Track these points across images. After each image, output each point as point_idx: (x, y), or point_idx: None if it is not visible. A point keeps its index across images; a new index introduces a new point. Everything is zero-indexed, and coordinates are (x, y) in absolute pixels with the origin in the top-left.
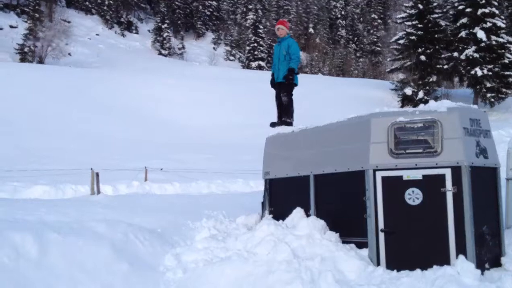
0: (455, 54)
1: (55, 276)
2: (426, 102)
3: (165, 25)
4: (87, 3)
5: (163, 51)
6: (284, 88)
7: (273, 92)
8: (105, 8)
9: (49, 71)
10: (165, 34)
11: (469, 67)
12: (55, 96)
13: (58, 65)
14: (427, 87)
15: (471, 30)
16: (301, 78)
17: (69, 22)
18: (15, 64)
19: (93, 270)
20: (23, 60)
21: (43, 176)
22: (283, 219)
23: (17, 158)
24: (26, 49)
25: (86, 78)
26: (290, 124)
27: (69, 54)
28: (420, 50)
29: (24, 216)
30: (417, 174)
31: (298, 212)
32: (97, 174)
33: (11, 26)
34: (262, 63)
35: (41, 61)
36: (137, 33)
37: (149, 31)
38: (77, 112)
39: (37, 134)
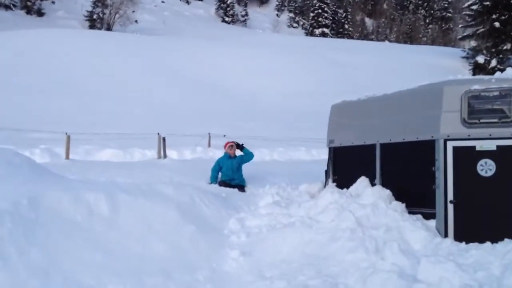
0: None
1: (125, 235)
2: (500, 70)
3: None
4: None
5: (226, 18)
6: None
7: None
8: None
9: (116, 38)
10: (228, 1)
11: None
12: (121, 63)
13: (125, 32)
14: (501, 55)
15: None
16: (367, 44)
17: None
18: (85, 32)
19: (162, 231)
20: (92, 27)
21: (113, 140)
22: (347, 187)
23: (86, 122)
24: (95, 16)
25: (152, 46)
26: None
27: (136, 21)
28: (494, 16)
29: (97, 177)
30: (491, 145)
31: (362, 181)
32: (164, 139)
33: None
34: (326, 30)
35: (109, 28)
36: (201, 0)
37: None
38: (142, 79)
39: (105, 99)
